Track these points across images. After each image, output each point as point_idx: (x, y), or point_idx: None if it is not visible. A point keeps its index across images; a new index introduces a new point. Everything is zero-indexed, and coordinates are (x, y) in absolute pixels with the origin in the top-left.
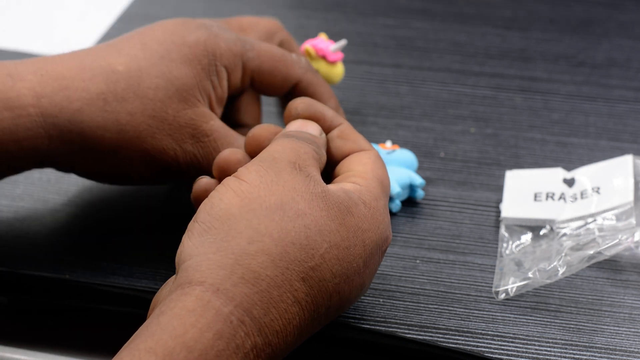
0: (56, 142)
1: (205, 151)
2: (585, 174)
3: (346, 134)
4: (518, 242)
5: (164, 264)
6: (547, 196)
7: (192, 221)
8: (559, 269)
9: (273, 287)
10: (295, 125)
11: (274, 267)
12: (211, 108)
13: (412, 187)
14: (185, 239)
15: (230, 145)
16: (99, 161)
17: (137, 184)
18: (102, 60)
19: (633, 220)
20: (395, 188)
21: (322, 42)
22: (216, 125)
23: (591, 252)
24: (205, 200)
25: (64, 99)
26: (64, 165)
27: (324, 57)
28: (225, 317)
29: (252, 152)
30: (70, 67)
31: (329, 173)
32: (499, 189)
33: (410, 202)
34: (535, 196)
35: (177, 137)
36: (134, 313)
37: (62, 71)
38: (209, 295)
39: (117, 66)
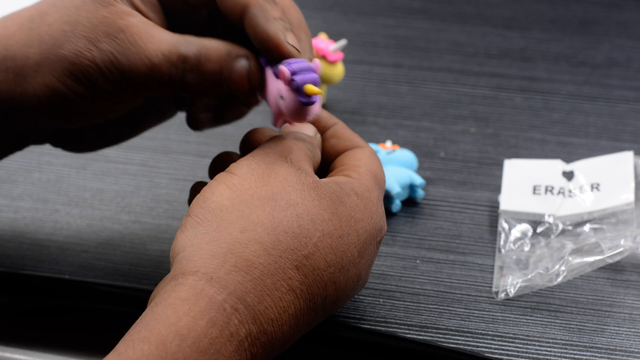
0: None
1: (122, 48)
2: (585, 168)
3: (340, 133)
4: (517, 237)
5: (163, 264)
6: (547, 190)
7: (185, 216)
8: (560, 273)
9: (266, 275)
10: (291, 127)
11: (267, 255)
12: (136, 8)
13: (412, 187)
14: (179, 233)
15: (151, 40)
16: (31, 83)
17: (86, 118)
18: None
19: (634, 222)
20: (395, 188)
21: (322, 42)
22: (134, 21)
23: (593, 259)
24: (198, 195)
25: (2, 28)
26: (8, 102)
27: (324, 57)
28: (219, 305)
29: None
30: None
31: (324, 172)
32: (499, 189)
33: (410, 202)
34: (534, 189)
35: (92, 37)
36: (133, 313)
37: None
38: (202, 283)
39: None
